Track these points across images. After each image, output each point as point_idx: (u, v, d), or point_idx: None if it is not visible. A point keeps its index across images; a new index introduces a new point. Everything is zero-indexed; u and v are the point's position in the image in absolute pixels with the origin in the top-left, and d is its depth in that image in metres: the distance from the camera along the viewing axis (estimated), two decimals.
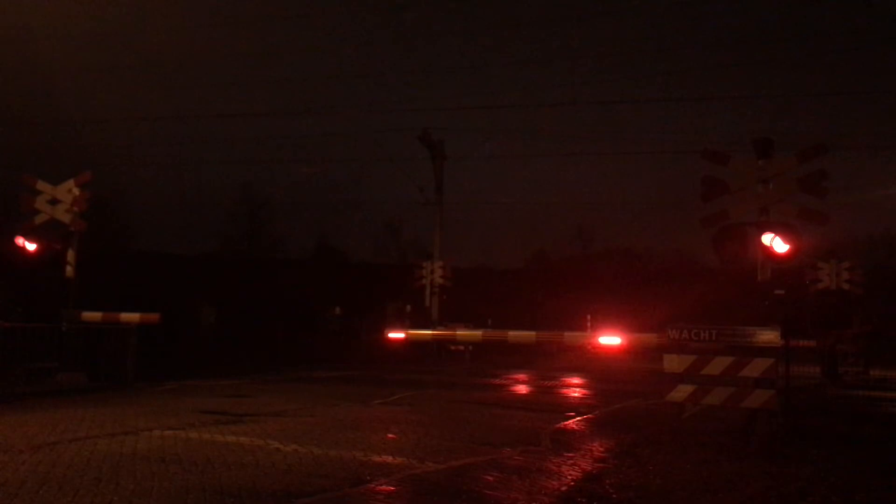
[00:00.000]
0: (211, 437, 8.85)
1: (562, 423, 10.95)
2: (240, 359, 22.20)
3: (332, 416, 11.09)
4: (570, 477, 7.34)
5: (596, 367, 26.56)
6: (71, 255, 15.91)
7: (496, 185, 76.09)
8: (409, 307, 29.65)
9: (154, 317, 15.37)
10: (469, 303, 31.49)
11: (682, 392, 9.97)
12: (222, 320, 27.78)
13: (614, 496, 6.63)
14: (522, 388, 18.22)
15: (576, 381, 20.35)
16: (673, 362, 10.06)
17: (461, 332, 20.37)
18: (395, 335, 19.81)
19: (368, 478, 6.87)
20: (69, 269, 15.90)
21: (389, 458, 7.82)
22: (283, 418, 10.75)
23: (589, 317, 32.85)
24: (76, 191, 15.93)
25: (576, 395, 16.98)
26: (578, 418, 11.64)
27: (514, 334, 17.56)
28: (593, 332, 19.19)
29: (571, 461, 8.10)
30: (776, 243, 10.17)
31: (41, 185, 16.11)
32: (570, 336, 17.53)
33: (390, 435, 9.57)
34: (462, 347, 28.20)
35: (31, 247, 15.55)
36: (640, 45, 78.67)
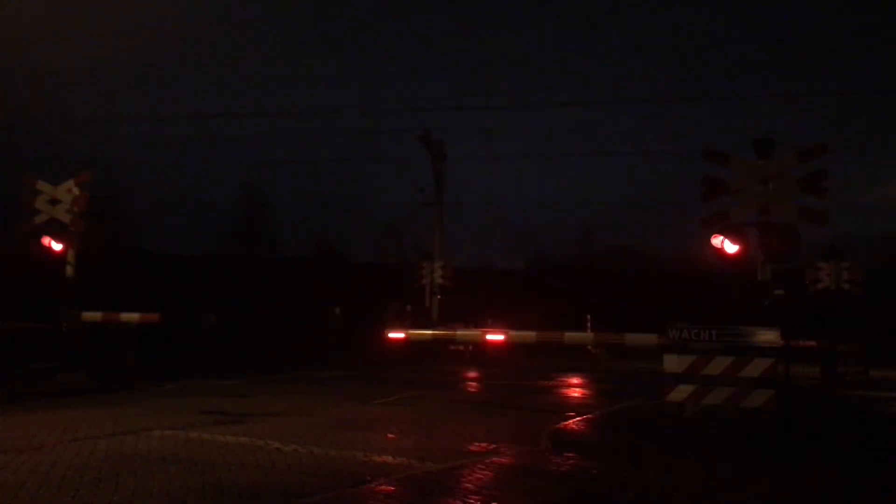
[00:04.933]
0: (211, 437, 8.85)
1: (561, 424, 10.94)
2: (240, 359, 22.19)
3: (332, 416, 11.09)
4: (569, 477, 7.34)
5: (596, 367, 26.58)
6: (71, 255, 15.91)
7: (496, 185, 76.05)
8: (409, 307, 29.64)
9: (154, 316, 15.36)
10: (469, 303, 31.48)
11: (682, 392, 9.98)
12: (222, 320, 27.75)
13: (614, 497, 6.63)
14: (522, 388, 18.22)
15: (575, 381, 20.36)
16: (673, 362, 10.07)
17: (461, 332, 20.35)
18: (395, 335, 19.79)
19: (368, 478, 6.87)
20: (69, 269, 15.90)
21: (389, 458, 7.82)
22: (283, 418, 10.75)
23: (589, 317, 32.84)
24: (76, 191, 15.94)
25: (576, 395, 16.99)
26: (578, 418, 11.63)
27: (513, 334, 17.55)
28: (594, 332, 19.20)
29: (571, 461, 8.09)
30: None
31: (41, 185, 16.12)
32: (570, 336, 17.51)
33: (390, 435, 9.57)
34: (462, 347, 28.22)
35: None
36: (639, 45, 78.60)
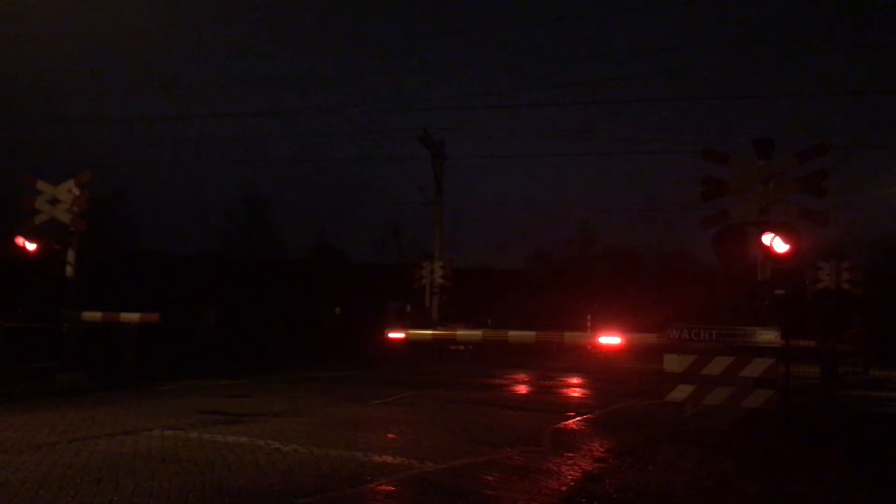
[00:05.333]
0: (211, 437, 8.84)
1: (562, 424, 10.95)
2: (240, 359, 22.20)
3: (331, 416, 11.09)
4: (570, 477, 7.34)
5: (596, 367, 26.58)
6: (71, 255, 15.91)
7: (497, 184, 76.10)
8: (409, 307, 29.65)
9: (154, 316, 15.37)
10: (469, 303, 31.50)
11: (682, 392, 9.98)
12: (222, 320, 27.78)
13: (614, 496, 6.62)
14: (522, 388, 18.22)
15: (575, 381, 20.35)
16: (673, 362, 10.07)
17: (461, 332, 20.37)
18: (395, 335, 19.80)
19: (368, 478, 6.87)
20: (69, 269, 15.91)
21: (389, 458, 7.82)
22: (282, 418, 10.74)
23: (589, 317, 32.87)
24: (76, 191, 15.94)
25: (576, 395, 16.98)
26: (578, 418, 11.64)
27: (514, 334, 17.57)
28: (593, 332, 19.21)
29: (571, 461, 8.09)
30: (776, 243, 10.23)
31: (41, 185, 16.12)
32: (570, 336, 17.54)
33: (390, 435, 9.57)
34: (462, 347, 28.23)
35: (31, 247, 15.56)
36: (639, 45, 78.69)
